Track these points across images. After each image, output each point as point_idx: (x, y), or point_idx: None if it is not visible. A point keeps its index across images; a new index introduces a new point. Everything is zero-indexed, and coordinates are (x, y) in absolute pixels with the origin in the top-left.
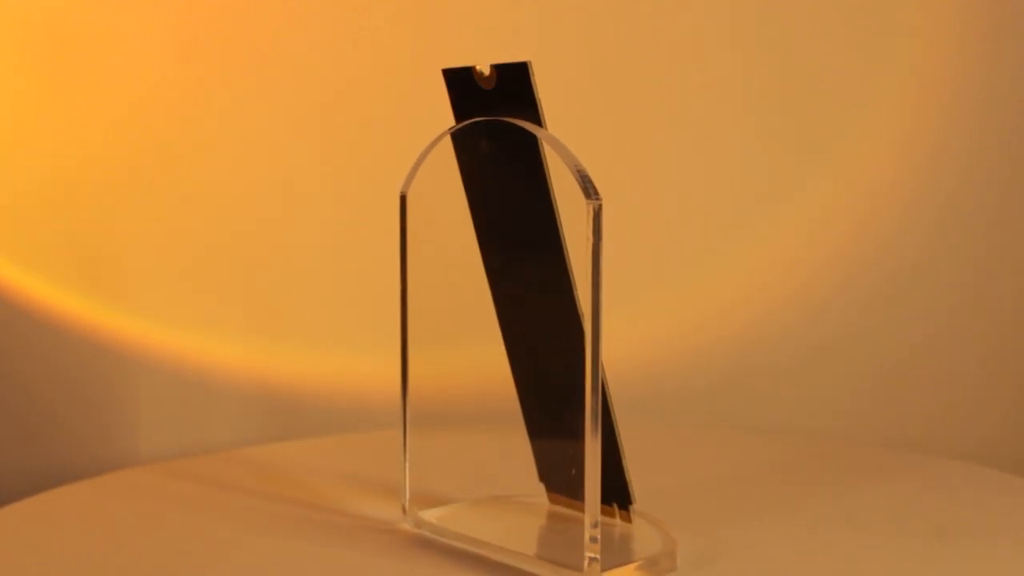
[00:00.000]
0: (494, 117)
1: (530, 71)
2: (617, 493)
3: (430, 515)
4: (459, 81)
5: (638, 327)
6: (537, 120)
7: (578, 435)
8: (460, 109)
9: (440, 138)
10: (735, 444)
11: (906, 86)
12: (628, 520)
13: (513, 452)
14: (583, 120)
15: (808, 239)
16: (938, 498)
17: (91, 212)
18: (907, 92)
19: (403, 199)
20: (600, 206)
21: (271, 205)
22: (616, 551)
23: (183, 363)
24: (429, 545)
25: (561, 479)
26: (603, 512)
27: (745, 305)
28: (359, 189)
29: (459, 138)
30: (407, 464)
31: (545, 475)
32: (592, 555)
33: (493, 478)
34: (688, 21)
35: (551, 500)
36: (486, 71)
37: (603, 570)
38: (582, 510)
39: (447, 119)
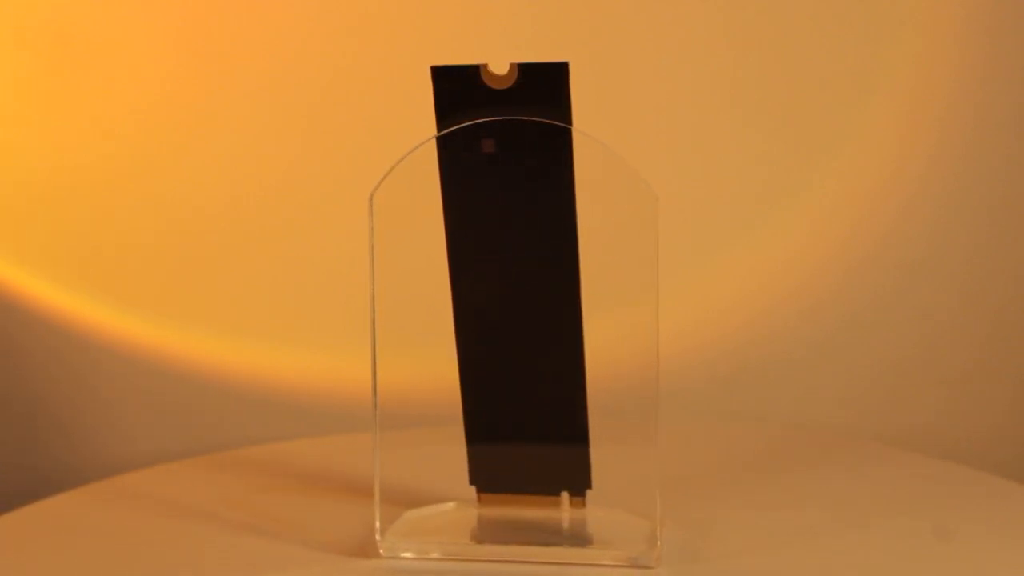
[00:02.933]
0: (527, 118)
1: (568, 72)
2: (575, 481)
3: (411, 536)
4: (455, 80)
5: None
6: (565, 123)
7: (581, 434)
8: (450, 109)
9: (429, 140)
10: (729, 439)
11: (906, 85)
12: (582, 506)
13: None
14: (579, 120)
15: (808, 238)
16: (936, 497)
17: (89, 212)
18: (907, 91)
19: (371, 202)
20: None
21: (271, 205)
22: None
23: (181, 363)
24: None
25: (526, 478)
26: (551, 504)
27: (745, 303)
28: (359, 189)
29: (453, 139)
30: (378, 487)
31: (503, 476)
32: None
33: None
34: (686, 20)
35: (489, 501)
36: (499, 70)
37: None
38: (553, 505)
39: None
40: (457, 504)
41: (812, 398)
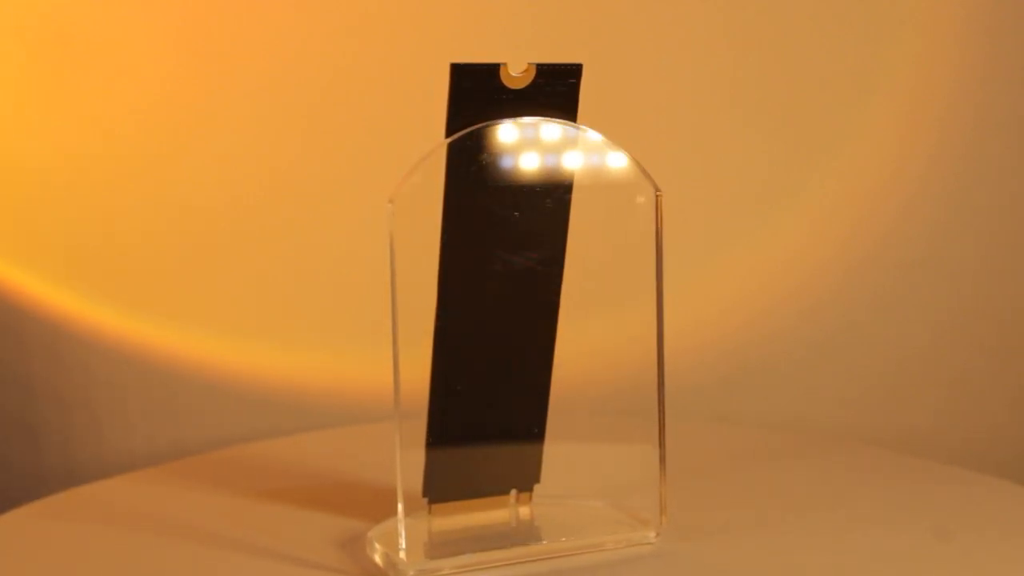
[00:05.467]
0: (540, 118)
1: (581, 73)
2: (525, 478)
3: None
4: (474, 77)
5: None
6: (573, 122)
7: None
8: (465, 106)
9: (453, 139)
10: (730, 440)
11: (906, 84)
12: (528, 502)
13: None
14: (581, 120)
15: (808, 238)
16: (936, 499)
17: (88, 211)
18: (907, 90)
19: (391, 205)
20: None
21: (270, 205)
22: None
23: (179, 362)
24: None
25: (481, 481)
26: (497, 505)
27: (745, 304)
28: (352, 188)
29: (465, 138)
30: (401, 504)
31: (459, 482)
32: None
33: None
34: (687, 19)
35: (440, 511)
36: (516, 69)
37: None
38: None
39: (442, 122)
40: (414, 516)
41: (812, 399)
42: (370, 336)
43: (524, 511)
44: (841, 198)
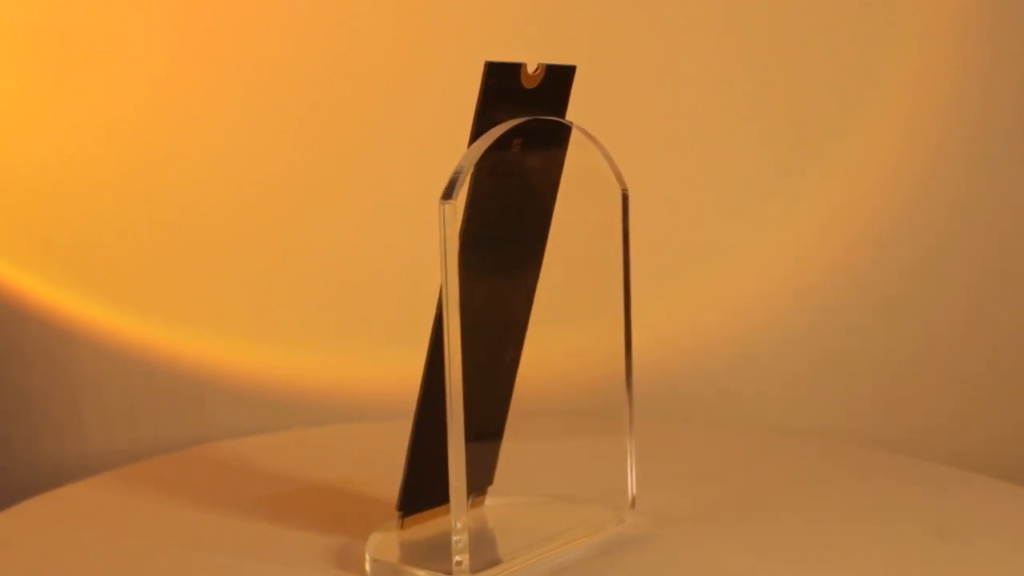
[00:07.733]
0: (543, 117)
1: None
2: (482, 481)
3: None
4: (502, 75)
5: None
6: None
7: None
8: (491, 105)
9: (495, 139)
10: (733, 442)
11: (909, 84)
12: (481, 504)
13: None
14: (580, 118)
15: (811, 239)
16: (936, 501)
17: (86, 210)
18: (910, 90)
19: (451, 205)
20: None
21: (264, 204)
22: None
23: (176, 360)
24: None
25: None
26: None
27: (747, 305)
28: (350, 189)
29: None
30: (459, 515)
31: (430, 491)
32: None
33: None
34: (690, 18)
35: (410, 523)
36: (531, 69)
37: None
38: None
39: (440, 120)
40: (384, 530)
41: (814, 400)
42: (368, 335)
43: (504, 512)
44: (843, 200)
